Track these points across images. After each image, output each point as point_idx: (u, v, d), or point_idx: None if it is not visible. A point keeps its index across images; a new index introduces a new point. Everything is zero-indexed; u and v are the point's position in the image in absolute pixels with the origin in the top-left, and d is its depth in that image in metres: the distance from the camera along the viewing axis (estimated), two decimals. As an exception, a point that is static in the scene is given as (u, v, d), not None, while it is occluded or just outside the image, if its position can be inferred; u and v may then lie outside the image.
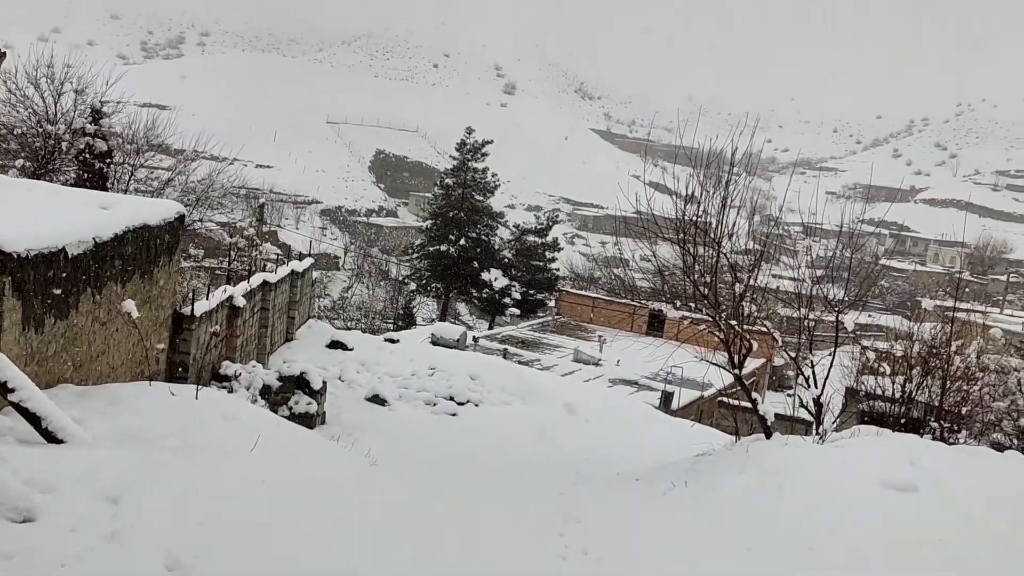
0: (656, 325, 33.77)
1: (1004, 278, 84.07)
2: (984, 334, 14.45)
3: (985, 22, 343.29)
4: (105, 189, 16.96)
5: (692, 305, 15.85)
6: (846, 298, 16.46)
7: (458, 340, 28.26)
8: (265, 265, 21.21)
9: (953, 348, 12.97)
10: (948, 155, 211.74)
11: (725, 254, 15.21)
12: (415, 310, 48.33)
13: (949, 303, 15.60)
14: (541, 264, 42.87)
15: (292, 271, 21.17)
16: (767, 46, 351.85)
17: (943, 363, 12.97)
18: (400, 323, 46.01)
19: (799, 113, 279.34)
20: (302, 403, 14.23)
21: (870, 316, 43.59)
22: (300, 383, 14.49)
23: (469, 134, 43.78)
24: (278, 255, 26.43)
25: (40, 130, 18.31)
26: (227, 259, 21.92)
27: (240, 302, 15.40)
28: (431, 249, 42.91)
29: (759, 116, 20.72)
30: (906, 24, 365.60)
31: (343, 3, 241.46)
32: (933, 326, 14.41)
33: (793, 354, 16.21)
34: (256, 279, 17.76)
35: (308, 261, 23.63)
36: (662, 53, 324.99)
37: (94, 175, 17.18)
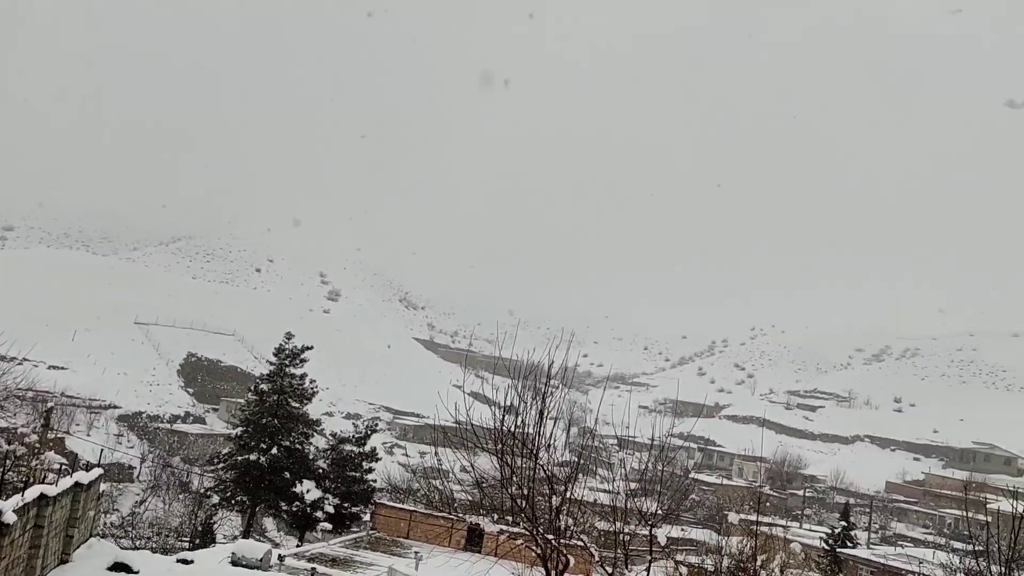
0: (474, 540, 32.77)
1: (801, 493, 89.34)
2: (786, 548, 14.94)
3: (766, 259, 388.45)
4: None
5: (509, 518, 15.55)
6: (660, 511, 16.71)
7: (261, 560, 26.02)
8: (45, 476, 19.13)
9: (759, 562, 13.28)
10: (746, 375, 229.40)
11: (542, 465, 15.21)
12: (216, 526, 44.43)
13: (754, 517, 16.15)
14: (357, 475, 41.11)
15: (76, 483, 19.14)
16: (583, 266, 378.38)
17: (751, 577, 13.20)
18: (198, 541, 42.05)
19: (613, 330, 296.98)
20: (68, 639, 12.33)
21: (683, 530, 44.46)
22: (68, 615, 12.63)
23: (288, 339, 42.83)
24: (62, 465, 23.92)
25: None
26: (1, 469, 19.58)
27: (10, 519, 13.58)
28: (239, 459, 40.23)
29: (574, 331, 21.63)
30: (704, 255, 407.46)
31: (166, 204, 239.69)
32: (739, 540, 14.78)
33: (610, 569, 16.03)
34: (32, 492, 15.89)
35: (96, 472, 21.50)
36: (485, 267, 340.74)
37: None
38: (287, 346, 42.52)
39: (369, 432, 43.17)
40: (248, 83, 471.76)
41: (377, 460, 43.38)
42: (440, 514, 30.15)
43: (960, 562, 15.63)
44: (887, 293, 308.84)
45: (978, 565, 14.19)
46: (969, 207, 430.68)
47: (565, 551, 14.06)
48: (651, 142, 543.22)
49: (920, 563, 24.74)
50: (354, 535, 37.97)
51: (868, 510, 75.95)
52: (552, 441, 16.66)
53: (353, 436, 42.52)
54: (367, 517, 40.92)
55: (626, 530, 16.30)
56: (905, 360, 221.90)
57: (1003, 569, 13.61)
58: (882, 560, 40.77)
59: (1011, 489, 15.52)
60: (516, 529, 15.28)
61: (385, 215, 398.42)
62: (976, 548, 14.86)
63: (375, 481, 43.29)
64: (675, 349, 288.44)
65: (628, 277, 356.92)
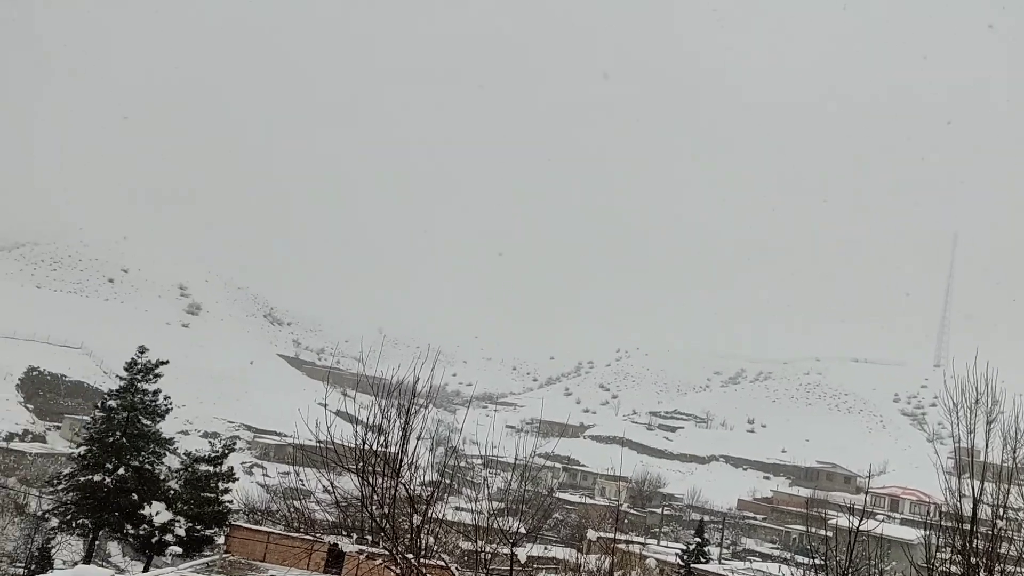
0: (334, 561, 31.98)
1: (659, 511, 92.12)
2: (642, 564, 15.28)
3: (633, 284, 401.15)
4: None
5: (369, 538, 15.24)
6: (522, 530, 16.78)
7: (103, 587, 24.37)
8: None
9: (616, 578, 13.51)
10: (610, 395, 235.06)
11: (404, 484, 14.99)
12: (54, 551, 41.41)
13: (612, 535, 16.45)
14: (213, 496, 39.27)
15: None
16: (451, 287, 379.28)
17: (608, 593, 13.40)
18: (34, 567, 39.06)
19: (482, 350, 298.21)
20: None
21: (545, 548, 44.88)
22: None
23: (142, 352, 40.50)
24: None
25: None
26: None
27: None
28: (82, 479, 37.67)
29: (440, 349, 21.50)
30: (570, 278, 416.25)
31: (5, 210, 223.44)
32: (598, 557, 15.01)
33: (471, 589, 15.94)
34: None
35: (-86, 493, 19.61)
36: (354, 284, 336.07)
37: None
38: (140, 360, 40.28)
39: (226, 451, 41.34)
40: (97, 86, 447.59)
41: (234, 480, 41.62)
42: (299, 535, 29.27)
43: (803, 575, 16.43)
44: (745, 319, 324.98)
45: (817, 577, 14.96)
46: (816, 240, 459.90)
47: (425, 570, 13.88)
48: (521, 166, 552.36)
49: (766, 577, 25.93)
50: (206, 559, 36.26)
51: (721, 527, 79.07)
52: (416, 460, 16.48)
53: (209, 455, 40.64)
54: (221, 540, 39.17)
55: (488, 549, 16.27)
56: (758, 383, 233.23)
57: (840, 580, 14.40)
58: (732, 574, 42.49)
59: (849, 505, 16.48)
60: (376, 549, 14.98)
61: (251, 227, 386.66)
62: (816, 561, 15.67)
63: (231, 502, 41.48)
64: (543, 370, 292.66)
65: (499, 299, 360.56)
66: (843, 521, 15.41)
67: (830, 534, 16.75)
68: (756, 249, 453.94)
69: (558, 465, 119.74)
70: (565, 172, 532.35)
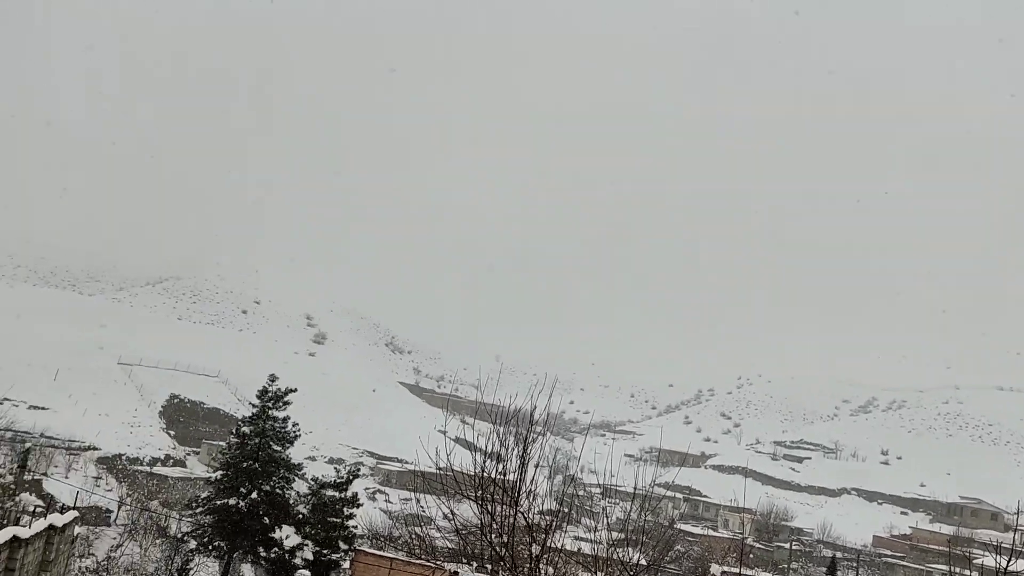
0: (456, 590, 32.19)
1: (787, 546, 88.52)
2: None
3: (753, 308, 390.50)
4: None
5: (490, 567, 15.33)
6: (643, 562, 16.50)
7: (238, 607, 25.43)
8: (19, 518, 18.76)
9: (742, 614, 13.08)
10: (732, 424, 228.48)
11: (523, 513, 15.04)
12: (193, 572, 43.50)
13: (738, 570, 15.97)
14: (338, 521, 40.40)
15: (50, 526, 18.77)
16: (568, 313, 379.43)
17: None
18: (174, 587, 41.11)
19: (599, 378, 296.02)
20: None
21: (667, 581, 43.88)
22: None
23: (272, 381, 42.37)
24: (37, 507, 23.51)
25: None
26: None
27: (-25, 561, 13.24)
28: (218, 503, 39.54)
29: (557, 377, 21.48)
30: (690, 301, 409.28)
31: (152, 246, 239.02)
32: (723, 591, 14.58)
33: (592, 621, 15.76)
34: (4, 534, 15.54)
35: (71, 515, 21.13)
36: (473, 313, 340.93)
37: None
38: (270, 388, 42.09)
39: (351, 477, 42.48)
40: (238, 124, 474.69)
41: (359, 506, 42.66)
42: (420, 562, 29.73)
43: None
44: (873, 345, 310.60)
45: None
46: (950, 259, 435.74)
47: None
48: (645, 193, 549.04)
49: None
50: (333, 583, 37.27)
51: (855, 564, 75.23)
52: (534, 488, 16.48)
53: (335, 481, 41.86)
54: (347, 564, 40.16)
55: (608, 581, 16.07)
56: (891, 412, 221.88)
57: (987, 624, 13.45)
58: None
59: (997, 544, 15.43)
60: (496, 579, 15.06)
61: (373, 258, 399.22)
62: (960, 603, 14.72)
63: (356, 527, 42.51)
64: (661, 397, 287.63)
65: (616, 325, 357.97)
66: (990, 561, 14.42)
67: (976, 574, 15.72)
68: (886, 271, 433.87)
69: (679, 495, 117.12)
70: (682, 193, 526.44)
